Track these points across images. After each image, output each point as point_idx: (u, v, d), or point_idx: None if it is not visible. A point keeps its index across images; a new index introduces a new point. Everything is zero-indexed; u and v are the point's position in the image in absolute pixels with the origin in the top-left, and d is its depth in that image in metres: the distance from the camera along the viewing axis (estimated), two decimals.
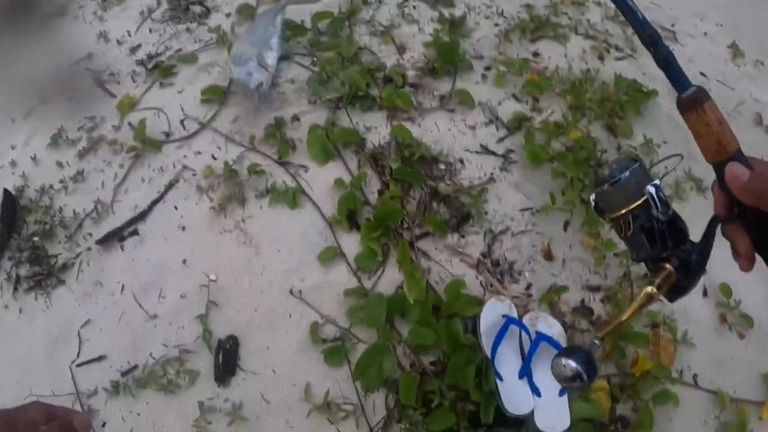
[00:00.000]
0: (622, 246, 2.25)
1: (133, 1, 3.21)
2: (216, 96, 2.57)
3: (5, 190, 2.48)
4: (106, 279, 2.26)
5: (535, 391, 1.99)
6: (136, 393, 2.08)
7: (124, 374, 2.11)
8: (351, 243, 2.20)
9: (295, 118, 2.47)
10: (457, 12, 2.93)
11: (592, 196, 0.90)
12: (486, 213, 2.29)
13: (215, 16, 3.05)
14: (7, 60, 2.81)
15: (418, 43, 2.78)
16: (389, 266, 2.18)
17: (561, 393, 1.87)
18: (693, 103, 0.69)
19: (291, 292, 2.13)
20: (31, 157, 2.62)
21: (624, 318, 0.83)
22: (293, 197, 2.25)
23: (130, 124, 2.59)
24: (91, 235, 2.35)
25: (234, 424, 1.99)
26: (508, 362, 2.02)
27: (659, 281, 0.80)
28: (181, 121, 2.55)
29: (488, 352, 2.03)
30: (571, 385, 0.78)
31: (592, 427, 2.02)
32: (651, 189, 0.80)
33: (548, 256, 2.28)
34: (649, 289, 0.81)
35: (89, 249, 2.33)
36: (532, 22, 2.89)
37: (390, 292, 2.12)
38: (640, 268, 2.22)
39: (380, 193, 2.29)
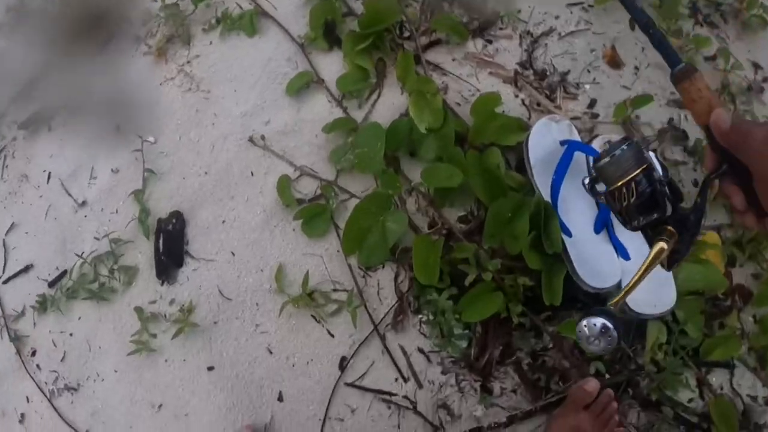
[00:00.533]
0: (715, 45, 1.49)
1: None
2: None
3: None
4: (32, 170, 1.74)
5: (622, 252, 1.24)
6: (66, 307, 1.53)
7: (51, 284, 1.58)
8: (331, 66, 1.51)
9: None
10: None
11: (590, 172, 0.93)
12: (519, 11, 1.53)
13: None
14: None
15: None
16: (387, 89, 1.47)
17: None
18: (686, 74, 0.75)
19: (251, 140, 1.48)
20: None
21: (635, 280, 0.80)
22: (251, 21, 1.60)
23: None
24: (15, 123, 1.84)
25: (185, 333, 1.37)
26: (577, 209, 1.27)
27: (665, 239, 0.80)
28: None
29: (546, 193, 1.28)
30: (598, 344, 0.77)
31: (703, 303, 1.23)
32: (651, 154, 0.85)
33: (614, 62, 1.50)
34: (661, 244, 0.79)
35: (14, 139, 1.82)
36: None
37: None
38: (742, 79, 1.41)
39: None
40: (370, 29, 1.45)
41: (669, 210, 0.81)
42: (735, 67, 1.46)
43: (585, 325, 0.77)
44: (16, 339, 1.58)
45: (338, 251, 1.36)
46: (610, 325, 0.76)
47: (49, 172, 1.69)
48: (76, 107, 1.75)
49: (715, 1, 1.59)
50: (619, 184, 0.85)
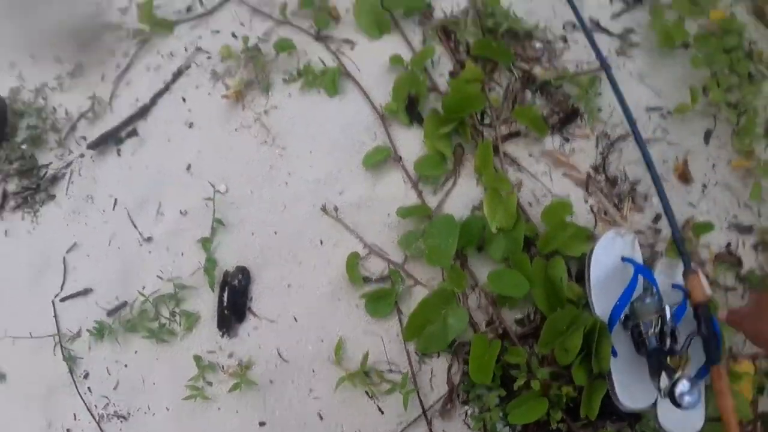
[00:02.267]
0: None
1: None
2: None
3: None
4: (98, 192, 1.83)
5: None
6: (123, 339, 1.64)
7: (110, 313, 1.68)
8: (410, 143, 1.59)
9: None
10: None
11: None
12: (599, 110, 1.60)
13: None
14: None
15: None
16: (463, 177, 1.55)
17: (696, 378, 1.18)
18: (689, 274, 1.29)
19: (324, 209, 1.57)
20: (30, 57, 2.24)
21: None
22: (333, 80, 1.67)
23: (137, 5, 2.12)
24: (85, 138, 1.92)
25: (240, 389, 1.49)
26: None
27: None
28: None
29: (600, 310, 1.38)
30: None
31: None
32: (667, 308, 1.27)
33: (684, 176, 1.57)
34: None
35: (82, 156, 1.90)
36: None
37: (463, 214, 1.51)
38: None
39: (453, 75, 1.65)
40: (453, 114, 1.52)
41: (667, 348, 1.23)
42: None
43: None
44: (70, 359, 1.70)
45: (398, 335, 1.47)
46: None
47: (116, 199, 1.79)
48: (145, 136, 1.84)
49: None
50: (637, 322, 1.29)
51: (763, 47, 1.69)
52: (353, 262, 1.49)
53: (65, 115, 1.98)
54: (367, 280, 1.50)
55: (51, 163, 1.95)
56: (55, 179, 1.92)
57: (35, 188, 1.93)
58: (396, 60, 1.64)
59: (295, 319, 1.52)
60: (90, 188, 1.84)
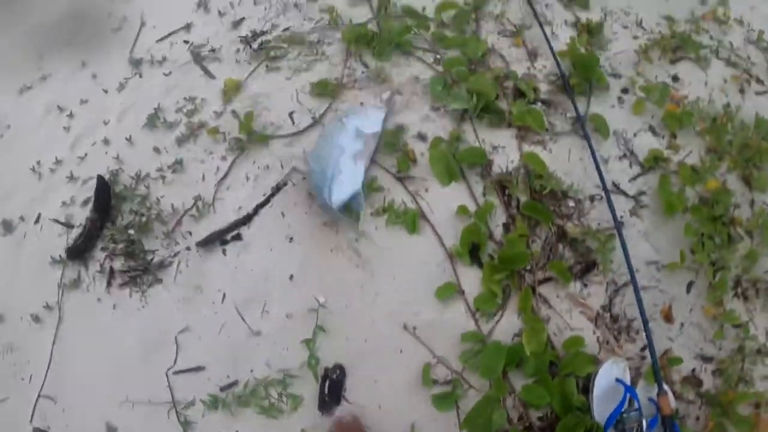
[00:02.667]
0: (743, 318, 2.17)
1: None
2: (327, 90, 2.47)
3: (99, 177, 2.46)
4: (206, 284, 2.27)
5: None
6: (236, 411, 2.11)
7: (223, 389, 2.15)
8: (471, 280, 2.14)
9: (419, 134, 2.38)
10: (594, 16, 2.72)
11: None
12: (611, 262, 2.20)
13: None
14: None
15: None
16: (509, 310, 2.12)
17: None
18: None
19: (405, 327, 2.11)
20: (126, 138, 2.60)
21: None
22: (413, 221, 2.18)
23: (233, 112, 2.53)
24: (190, 233, 2.34)
25: None
26: None
27: None
28: (290, 114, 2.47)
29: (600, 418, 1.99)
30: None
31: None
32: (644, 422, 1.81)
33: (668, 317, 2.17)
34: None
35: (188, 249, 2.32)
36: (673, 38, 2.67)
37: (507, 339, 2.07)
38: (756, 344, 2.15)
39: (506, 227, 2.20)
40: (506, 266, 2.09)
41: None
42: (749, 339, 2.18)
43: None
44: (186, 423, 2.17)
45: (455, 423, 2.04)
46: None
47: (224, 294, 2.24)
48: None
49: (755, 278, 2.26)
50: (624, 428, 1.83)
51: (744, 211, 2.30)
52: (427, 371, 2.04)
53: (171, 209, 2.38)
54: (435, 382, 2.06)
55: (157, 250, 2.35)
56: (162, 265, 2.32)
57: (142, 270, 2.34)
58: (463, 210, 2.17)
59: (379, 406, 2.06)
60: (198, 280, 2.27)
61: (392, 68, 2.52)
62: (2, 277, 2.49)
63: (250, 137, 2.42)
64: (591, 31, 2.62)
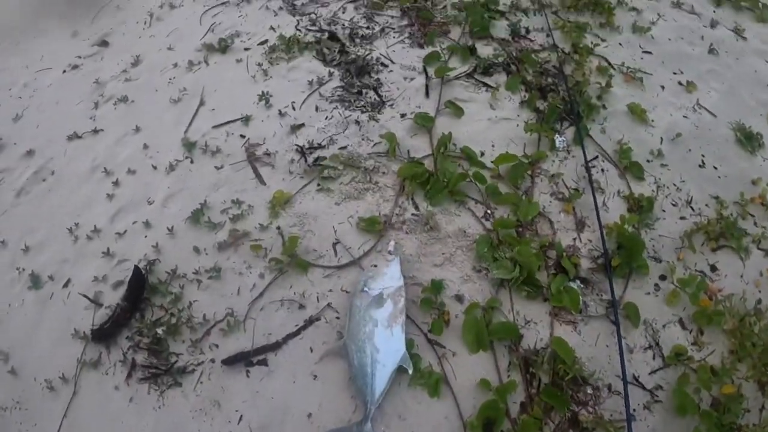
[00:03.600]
0: None
1: (304, 62, 3.22)
2: (374, 228, 2.59)
3: (136, 268, 2.57)
4: (225, 401, 2.35)
5: None
6: None
7: None
8: None
9: (457, 296, 2.49)
10: (646, 189, 2.84)
11: None
12: None
13: (388, 112, 3.03)
14: None
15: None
16: None
17: None
18: None
19: None
20: (168, 228, 2.71)
21: None
22: (436, 386, 2.29)
23: (278, 229, 2.64)
24: (217, 346, 2.44)
25: None
26: None
27: None
28: (334, 245, 2.59)
29: None
30: None
31: None
32: None
33: None
34: None
35: (212, 361, 2.42)
36: (719, 223, 2.79)
37: None
38: None
39: (522, 406, 2.31)
40: None
41: None
42: None
43: None
44: None
45: None
46: None
47: (241, 415, 2.34)
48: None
49: None
50: None
51: (753, 416, 2.38)
52: None
53: (202, 318, 2.48)
54: None
55: (182, 354, 2.45)
56: (184, 371, 2.41)
57: (164, 371, 2.44)
58: (485, 384, 2.28)
59: None
60: (218, 395, 2.36)
61: (442, 215, 2.63)
62: (23, 331, 2.59)
63: (291, 260, 2.52)
64: (641, 207, 2.73)
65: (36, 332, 2.61)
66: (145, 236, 2.75)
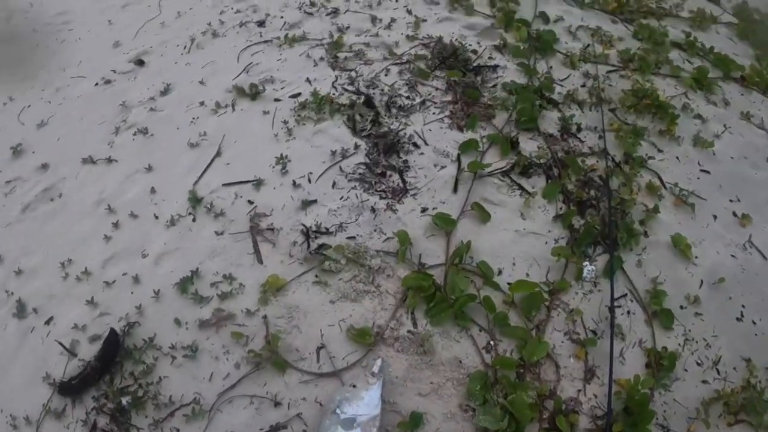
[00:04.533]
0: None
1: (332, 128, 3.10)
2: (365, 341, 2.46)
3: (112, 331, 2.53)
4: None
5: None
6: None
7: None
8: None
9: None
10: (672, 342, 2.62)
11: None
12: None
13: (409, 203, 2.90)
14: None
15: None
16: None
17: None
18: None
19: None
20: (154, 291, 2.65)
21: None
22: None
23: (264, 318, 2.54)
24: (178, 431, 2.37)
25: None
26: None
27: None
28: (318, 349, 2.47)
29: None
30: None
31: None
32: None
33: None
34: None
35: None
36: (743, 392, 2.55)
37: None
38: None
39: None
40: None
41: None
42: None
43: None
44: None
45: None
46: None
47: None
48: None
49: None
50: None
51: None
52: None
53: (168, 399, 2.41)
54: None
55: (143, 430, 2.37)
56: None
57: None
58: None
59: None
60: None
61: (440, 338, 2.49)
62: (1, 360, 2.63)
63: (270, 356, 2.43)
64: (662, 365, 2.53)
65: (11, 364, 2.62)
66: (132, 292, 2.70)
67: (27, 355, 2.63)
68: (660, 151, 3.39)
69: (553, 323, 2.60)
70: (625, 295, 2.73)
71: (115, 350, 2.53)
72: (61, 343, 2.60)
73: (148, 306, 2.65)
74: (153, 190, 3.06)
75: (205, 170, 3.10)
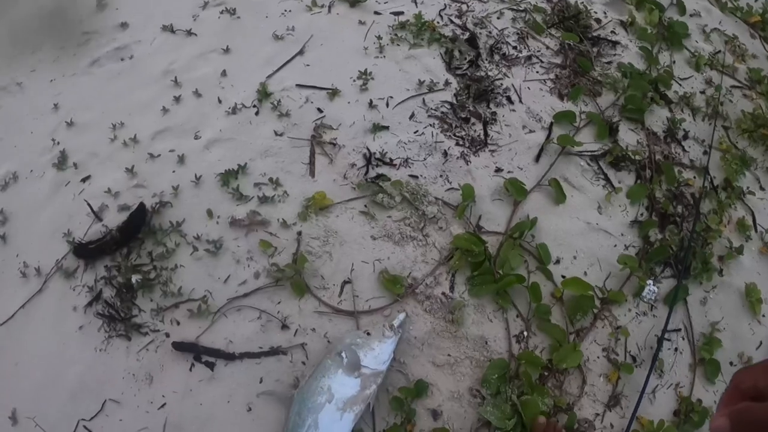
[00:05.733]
0: None
1: (426, 57, 2.73)
2: (394, 288, 2.19)
3: (141, 204, 2.40)
4: (158, 380, 2.11)
5: None
6: None
7: None
8: None
9: (434, 411, 2.06)
10: (709, 396, 2.22)
11: None
12: None
13: (484, 157, 2.55)
14: None
15: None
16: None
17: None
18: None
19: None
20: (195, 176, 2.45)
21: None
22: None
23: (299, 235, 2.31)
24: (178, 323, 2.20)
25: None
26: None
27: None
28: (343, 283, 2.22)
29: None
30: None
31: None
32: None
33: None
34: None
35: (167, 336, 2.18)
36: None
37: None
38: None
39: None
40: None
41: None
42: None
43: None
44: None
45: None
46: None
47: (165, 403, 2.06)
48: None
49: None
50: None
51: None
52: None
53: (178, 290, 2.22)
54: None
55: (144, 312, 2.23)
56: (138, 329, 2.20)
57: (120, 318, 2.22)
58: None
59: None
60: (155, 370, 2.11)
61: (473, 311, 2.21)
62: (31, 203, 2.53)
63: (292, 277, 2.18)
64: (689, 419, 2.17)
65: (40, 212, 2.54)
66: (173, 171, 2.53)
67: (56, 207, 2.54)
68: (762, 189, 2.89)
69: (595, 335, 2.27)
70: (679, 330, 2.35)
71: (139, 225, 2.37)
72: (89, 204, 2.47)
73: (185, 189, 2.45)
74: (224, 73, 2.83)
75: (282, 66, 2.84)
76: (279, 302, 2.20)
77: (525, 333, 2.21)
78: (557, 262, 2.38)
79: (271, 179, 2.43)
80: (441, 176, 2.51)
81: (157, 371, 2.14)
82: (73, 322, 2.23)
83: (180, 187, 2.44)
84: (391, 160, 2.50)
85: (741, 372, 0.72)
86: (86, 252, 2.35)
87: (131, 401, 2.11)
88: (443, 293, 2.24)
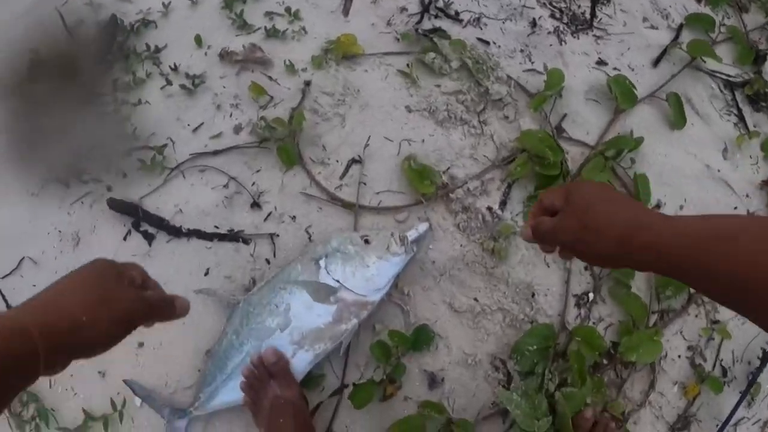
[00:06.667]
0: None
1: None
2: (421, 186, 1.45)
3: (113, 17, 1.74)
4: (85, 242, 1.53)
5: None
6: None
7: None
8: None
9: (431, 376, 1.36)
10: None
11: None
12: None
13: (585, 43, 1.73)
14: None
15: None
16: None
17: None
18: None
19: None
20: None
21: None
22: None
23: (306, 85, 1.60)
24: (125, 176, 1.56)
25: None
26: None
27: None
28: (350, 162, 1.50)
29: None
30: None
31: None
32: None
33: None
34: None
35: (109, 190, 1.56)
36: None
37: None
38: None
39: None
40: None
41: None
42: None
43: None
44: None
45: None
46: None
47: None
48: None
49: None
50: None
51: None
52: None
53: (133, 131, 1.58)
54: None
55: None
56: (79, 176, 1.57)
57: None
58: None
59: None
60: (84, 230, 1.55)
61: (523, 247, 1.47)
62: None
63: (283, 139, 1.49)
64: None
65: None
66: None
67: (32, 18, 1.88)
68: None
69: (684, 324, 1.50)
70: None
71: (108, 46, 1.67)
72: (62, 16, 1.75)
73: (178, 8, 1.81)
74: None
75: None
76: (257, 171, 1.53)
77: (590, 295, 1.45)
78: (657, 206, 1.59)
79: (288, 9, 1.71)
80: (521, 51, 1.72)
81: (86, 232, 1.56)
82: None
83: (172, 5, 1.76)
84: (457, 13, 1.73)
85: (546, 192, 0.86)
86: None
87: (50, 264, 1.56)
88: (489, 208, 1.49)
